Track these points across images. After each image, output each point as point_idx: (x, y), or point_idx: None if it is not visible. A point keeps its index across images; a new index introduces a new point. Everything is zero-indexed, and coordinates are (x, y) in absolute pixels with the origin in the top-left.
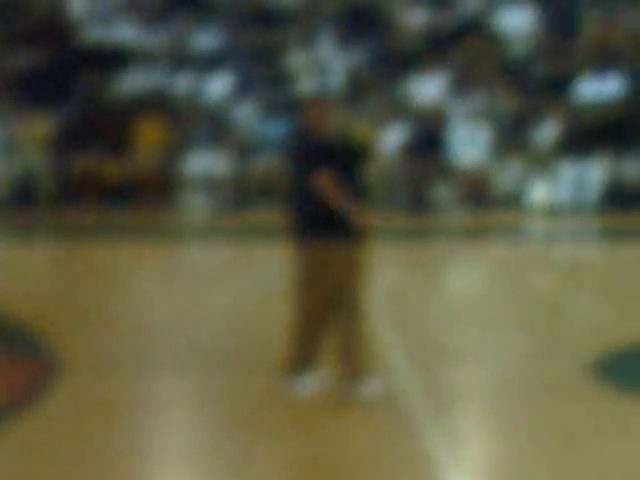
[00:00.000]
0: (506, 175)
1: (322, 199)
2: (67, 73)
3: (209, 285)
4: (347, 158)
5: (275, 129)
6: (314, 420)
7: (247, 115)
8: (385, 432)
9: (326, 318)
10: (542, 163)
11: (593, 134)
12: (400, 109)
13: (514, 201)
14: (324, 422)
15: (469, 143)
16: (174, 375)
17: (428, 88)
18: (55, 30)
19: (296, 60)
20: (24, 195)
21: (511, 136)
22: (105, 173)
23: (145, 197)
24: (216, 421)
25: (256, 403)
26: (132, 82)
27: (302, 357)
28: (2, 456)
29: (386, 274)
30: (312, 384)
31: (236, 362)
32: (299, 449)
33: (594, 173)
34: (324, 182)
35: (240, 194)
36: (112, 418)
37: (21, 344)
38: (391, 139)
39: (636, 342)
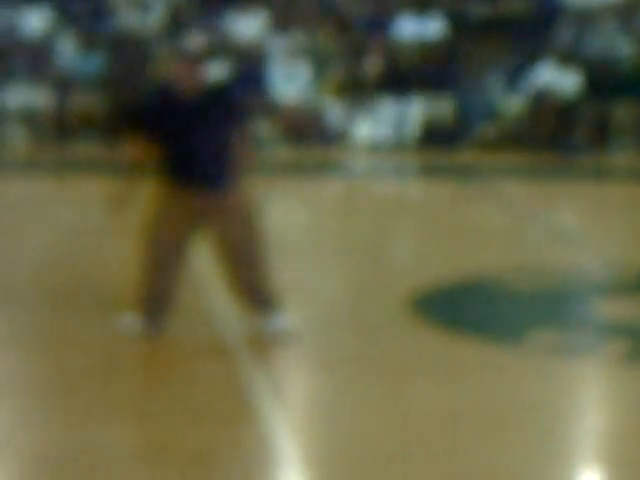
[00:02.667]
0: (329, 112)
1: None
2: None
3: (31, 218)
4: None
5: (95, 64)
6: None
7: (66, 50)
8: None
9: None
10: (364, 101)
11: (411, 73)
12: (220, 46)
13: (338, 138)
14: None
15: (291, 81)
16: None
17: (248, 26)
18: None
19: None
20: None
21: (333, 74)
22: None
23: None
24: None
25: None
26: None
27: (152, 298)
28: None
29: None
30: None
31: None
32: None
33: (412, 111)
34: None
35: (59, 128)
36: None
37: None
38: (211, 76)
39: (458, 277)
